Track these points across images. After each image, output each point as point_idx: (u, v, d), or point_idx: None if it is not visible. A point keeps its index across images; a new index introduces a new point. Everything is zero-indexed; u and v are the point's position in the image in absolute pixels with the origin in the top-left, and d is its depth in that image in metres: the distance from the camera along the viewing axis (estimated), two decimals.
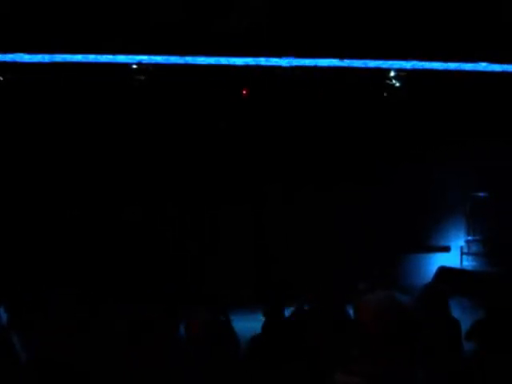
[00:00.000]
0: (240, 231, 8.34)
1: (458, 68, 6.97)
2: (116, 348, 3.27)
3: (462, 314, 4.28)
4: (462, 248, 8.77)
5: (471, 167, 8.34)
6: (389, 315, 2.52)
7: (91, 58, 6.70)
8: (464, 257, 8.76)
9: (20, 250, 7.67)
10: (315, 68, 6.78)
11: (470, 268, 8.57)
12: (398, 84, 7.31)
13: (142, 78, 7.05)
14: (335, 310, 3.89)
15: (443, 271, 8.49)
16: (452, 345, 3.55)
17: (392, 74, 7.26)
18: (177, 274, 7.94)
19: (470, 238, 8.79)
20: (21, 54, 6.56)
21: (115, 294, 6.05)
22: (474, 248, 8.76)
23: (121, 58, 6.71)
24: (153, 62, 6.79)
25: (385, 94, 7.57)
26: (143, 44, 6.64)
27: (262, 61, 6.70)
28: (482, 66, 7.01)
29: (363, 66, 6.84)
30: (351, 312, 3.51)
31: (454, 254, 8.77)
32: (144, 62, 6.81)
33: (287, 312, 4.21)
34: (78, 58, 6.74)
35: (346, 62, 6.78)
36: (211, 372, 2.77)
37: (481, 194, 8.62)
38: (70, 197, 8.06)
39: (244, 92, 7.89)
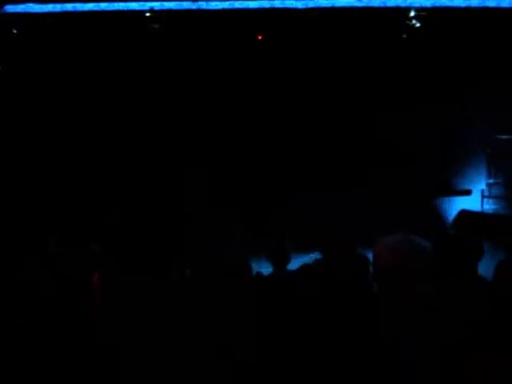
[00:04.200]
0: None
1: (481, 4, 6.72)
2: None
3: (484, 258, 4.25)
4: (482, 191, 8.69)
5: (493, 109, 8.17)
6: (406, 256, 2.52)
7: (103, 6, 6.60)
8: (485, 200, 8.68)
9: None
10: (332, 9, 6.61)
11: (490, 211, 8.51)
12: (418, 25, 7.10)
13: (156, 26, 6.94)
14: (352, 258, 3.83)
15: (464, 214, 8.44)
16: None
17: (412, 13, 7.03)
18: None
19: (491, 181, 8.69)
20: (31, 5, 6.48)
21: None
22: (494, 191, 8.67)
23: (132, 5, 6.60)
24: (165, 8, 6.67)
25: (404, 36, 7.36)
26: None
27: (277, 3, 6.55)
28: (507, 2, 6.75)
29: (382, 5, 6.63)
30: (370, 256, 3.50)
31: (474, 197, 8.70)
32: (156, 8, 6.69)
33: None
34: (90, 6, 6.65)
35: (365, 2, 6.59)
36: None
37: (502, 136, 8.47)
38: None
39: (259, 37, 7.72)
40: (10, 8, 6.56)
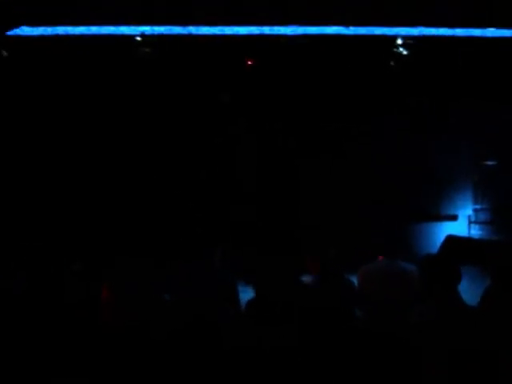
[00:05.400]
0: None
1: (466, 34, 6.85)
2: None
3: (471, 283, 4.27)
4: (469, 217, 8.75)
5: (480, 135, 8.27)
6: (392, 283, 2.53)
7: (94, 29, 6.65)
8: (472, 225, 8.74)
9: None
10: (321, 36, 6.71)
11: (477, 236, 8.56)
12: (405, 52, 7.21)
13: (147, 50, 7.01)
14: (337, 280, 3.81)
15: (451, 240, 8.48)
16: None
17: (399, 41, 7.15)
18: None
19: (477, 206, 8.76)
20: (22, 27, 6.52)
21: None
22: (481, 217, 8.73)
23: (123, 29, 6.66)
24: (156, 33, 6.74)
25: (392, 63, 7.47)
26: (146, 14, 6.58)
27: (266, 30, 6.64)
28: (491, 32, 6.88)
29: (369, 33, 6.74)
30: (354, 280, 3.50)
31: (461, 222, 8.75)
32: (147, 33, 6.76)
33: None
34: (81, 29, 6.70)
35: (352, 30, 6.70)
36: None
37: (489, 163, 8.56)
38: None
39: (249, 62, 7.81)
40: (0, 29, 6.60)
